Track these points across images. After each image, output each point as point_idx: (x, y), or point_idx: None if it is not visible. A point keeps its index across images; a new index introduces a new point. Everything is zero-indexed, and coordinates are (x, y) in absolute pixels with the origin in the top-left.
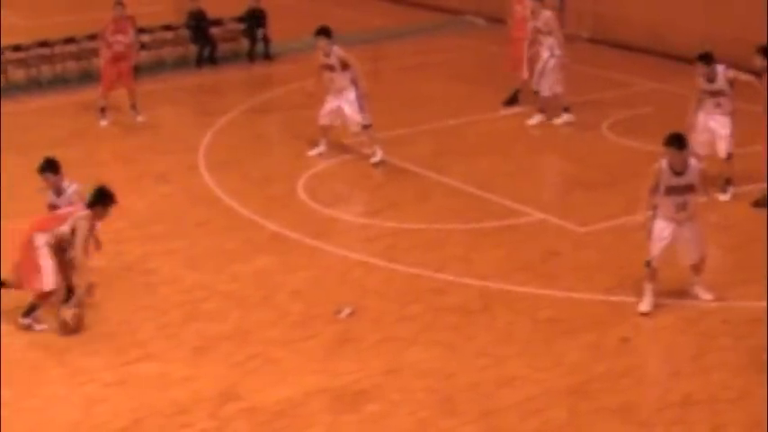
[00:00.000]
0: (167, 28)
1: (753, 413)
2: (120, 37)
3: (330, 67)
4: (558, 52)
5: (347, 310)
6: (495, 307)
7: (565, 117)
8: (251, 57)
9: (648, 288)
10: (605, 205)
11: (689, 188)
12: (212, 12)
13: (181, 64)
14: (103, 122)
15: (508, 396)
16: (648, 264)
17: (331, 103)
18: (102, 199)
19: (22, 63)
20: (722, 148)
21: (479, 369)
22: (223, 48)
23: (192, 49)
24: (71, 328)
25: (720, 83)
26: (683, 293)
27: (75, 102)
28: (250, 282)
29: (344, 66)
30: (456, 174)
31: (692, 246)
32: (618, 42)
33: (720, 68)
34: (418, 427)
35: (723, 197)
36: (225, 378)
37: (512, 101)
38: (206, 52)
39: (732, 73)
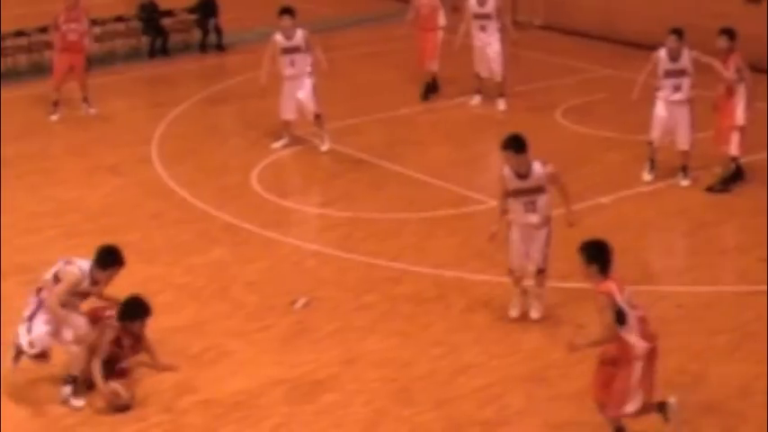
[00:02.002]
0: (119, 19)
1: (709, 397)
2: (73, 25)
3: (294, 49)
4: (501, 36)
5: (302, 301)
6: (451, 295)
7: (502, 102)
8: (203, 47)
9: (515, 293)
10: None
11: (536, 190)
12: (164, 2)
13: (133, 55)
14: (54, 117)
15: (464, 384)
16: (511, 272)
17: (291, 96)
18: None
19: None
20: (683, 142)
21: (435, 358)
22: (175, 39)
23: (144, 41)
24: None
25: (684, 62)
26: (637, 280)
27: (26, 95)
28: (204, 274)
29: (308, 47)
30: (409, 163)
31: (537, 251)
32: (570, 29)
33: (686, 49)
34: (375, 416)
35: (684, 182)
36: (180, 371)
37: (429, 92)
38: (158, 43)
39: (695, 53)
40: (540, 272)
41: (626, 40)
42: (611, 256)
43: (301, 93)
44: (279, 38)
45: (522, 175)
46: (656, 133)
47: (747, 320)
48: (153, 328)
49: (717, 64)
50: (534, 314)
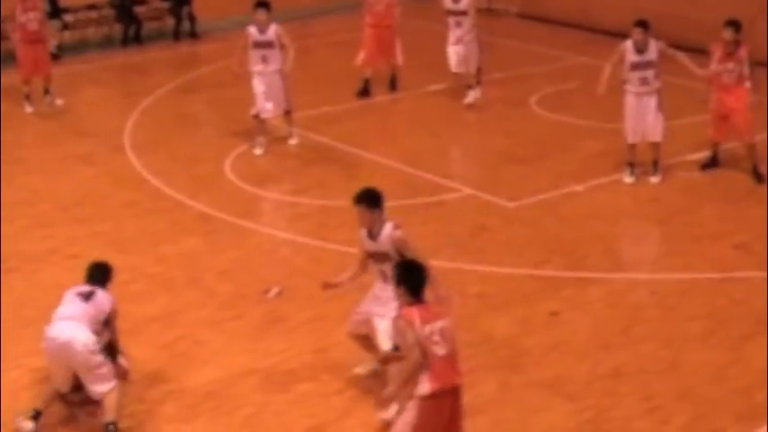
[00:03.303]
0: (91, 7)
1: (681, 384)
2: (32, 15)
3: (267, 44)
4: (475, 30)
5: (275, 290)
6: None
7: (472, 94)
8: (176, 35)
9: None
10: (534, 180)
11: (383, 256)
12: None
13: (106, 44)
14: (29, 109)
15: None
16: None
17: (261, 94)
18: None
19: None
20: (654, 134)
21: None
22: (148, 27)
23: (117, 29)
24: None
25: (651, 54)
26: (611, 267)
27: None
28: (177, 263)
29: (281, 44)
30: (383, 151)
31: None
32: (546, 17)
33: (652, 40)
34: (349, 405)
35: (654, 179)
36: (153, 361)
37: (365, 92)
38: (131, 31)
39: (662, 45)
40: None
41: (601, 29)
42: (424, 281)
43: (271, 91)
44: (252, 30)
45: (374, 235)
46: (628, 129)
47: (721, 307)
48: (127, 317)
49: (683, 57)
50: None
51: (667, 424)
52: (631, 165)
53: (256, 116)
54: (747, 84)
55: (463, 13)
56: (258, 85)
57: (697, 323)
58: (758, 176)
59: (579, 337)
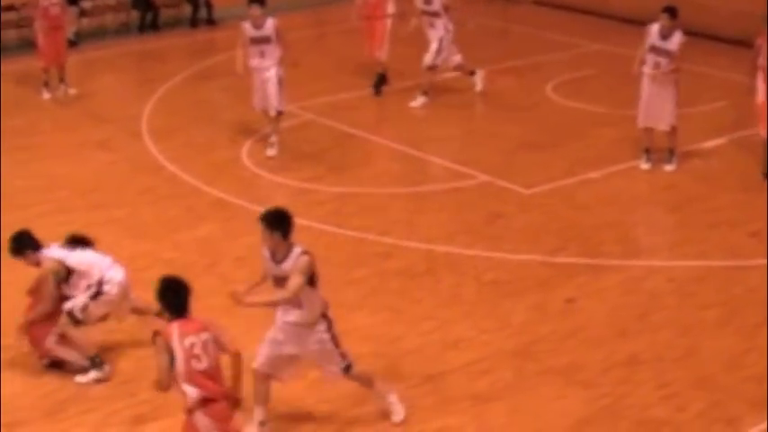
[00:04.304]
0: None
1: (698, 371)
2: (53, 0)
3: (264, 40)
4: (451, 28)
5: None
6: (440, 270)
7: (420, 100)
8: (194, 22)
9: None
10: (550, 167)
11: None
12: None
13: (123, 31)
14: (46, 95)
15: (454, 359)
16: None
17: (260, 88)
18: None
19: None
20: (665, 122)
21: (425, 332)
22: (165, 13)
23: (134, 16)
24: None
25: (672, 44)
26: (627, 254)
27: (15, 70)
28: (193, 249)
29: (278, 38)
30: (400, 137)
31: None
32: (562, 4)
33: (678, 32)
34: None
35: (669, 167)
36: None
37: (380, 84)
38: (148, 18)
39: (685, 39)
40: None
41: (617, 16)
42: (187, 296)
43: (267, 86)
44: (247, 26)
45: (279, 260)
46: (640, 113)
47: (737, 295)
48: (143, 303)
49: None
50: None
51: (683, 411)
52: (647, 151)
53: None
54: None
55: (435, 14)
56: (255, 81)
57: (713, 311)
58: None
59: (595, 324)
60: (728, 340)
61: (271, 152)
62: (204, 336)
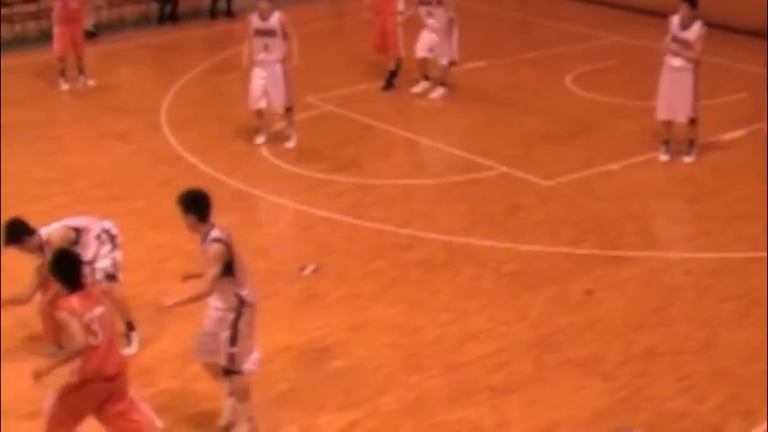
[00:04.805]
0: None
1: (716, 363)
2: None
3: (269, 32)
4: (452, 15)
5: (311, 267)
6: (460, 261)
7: (439, 91)
8: (213, 14)
9: None
10: (569, 159)
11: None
12: None
13: (142, 22)
14: (65, 86)
15: (473, 350)
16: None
17: (260, 84)
18: None
19: None
20: (684, 114)
21: (444, 324)
22: (184, 5)
23: (154, 7)
24: None
25: (691, 33)
26: (645, 246)
27: (34, 62)
28: None
29: (285, 33)
30: (419, 128)
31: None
32: None
33: (699, 22)
34: (383, 382)
35: (688, 159)
36: (189, 337)
37: (390, 82)
38: (167, 10)
39: (705, 30)
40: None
41: (636, 7)
42: (78, 268)
43: (271, 82)
44: (254, 18)
45: (201, 242)
46: (660, 106)
47: (755, 287)
48: (162, 294)
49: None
50: None
51: (701, 404)
52: (666, 143)
53: (256, 111)
54: None
55: (437, 2)
56: (257, 76)
57: (731, 303)
58: None
59: (614, 316)
60: (746, 333)
61: (290, 144)
62: (99, 309)
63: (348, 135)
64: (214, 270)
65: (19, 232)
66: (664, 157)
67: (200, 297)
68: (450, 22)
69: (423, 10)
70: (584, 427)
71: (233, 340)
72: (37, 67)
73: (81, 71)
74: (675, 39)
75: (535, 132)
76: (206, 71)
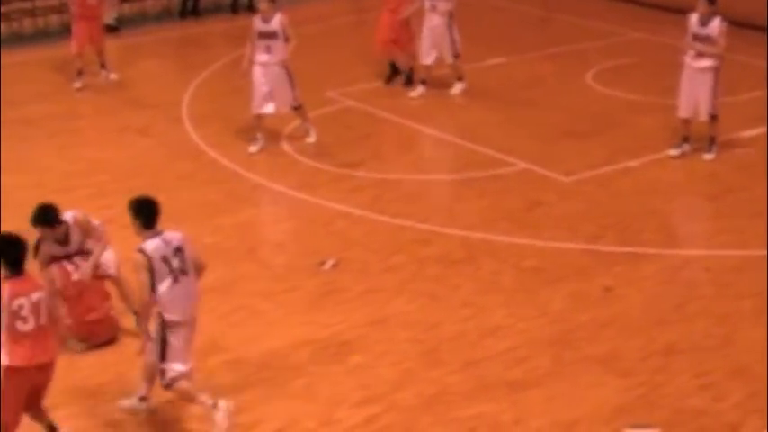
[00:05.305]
0: None
1: (735, 361)
2: None
3: (270, 35)
4: (452, 8)
5: (330, 262)
6: (479, 257)
7: (459, 86)
8: (234, 8)
9: None
10: (589, 155)
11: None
12: None
13: (164, 16)
14: (77, 84)
15: (492, 346)
16: None
17: (264, 88)
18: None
19: (4, 17)
20: (704, 112)
21: (463, 319)
22: None
23: (175, 1)
24: None
25: (711, 29)
26: (665, 243)
27: (56, 56)
28: (233, 234)
29: (286, 35)
30: (439, 124)
31: None
32: None
33: (718, 18)
34: (402, 377)
35: (708, 156)
36: (209, 330)
37: (410, 80)
38: (189, 4)
39: (725, 27)
40: None
41: (658, 4)
42: (23, 253)
43: (276, 84)
44: (257, 20)
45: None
46: (681, 103)
47: None
48: None
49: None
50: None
51: (721, 401)
52: (686, 140)
53: (258, 116)
54: None
55: None
56: (260, 78)
57: (751, 300)
58: None
59: (633, 313)
60: (765, 330)
61: (310, 139)
62: (36, 295)
63: (368, 130)
64: (139, 280)
65: (52, 216)
66: (674, 152)
67: (138, 310)
68: (451, 15)
69: (427, 3)
70: (602, 423)
71: (162, 354)
72: (59, 61)
73: (102, 65)
74: (696, 36)
75: (555, 129)
76: (227, 66)
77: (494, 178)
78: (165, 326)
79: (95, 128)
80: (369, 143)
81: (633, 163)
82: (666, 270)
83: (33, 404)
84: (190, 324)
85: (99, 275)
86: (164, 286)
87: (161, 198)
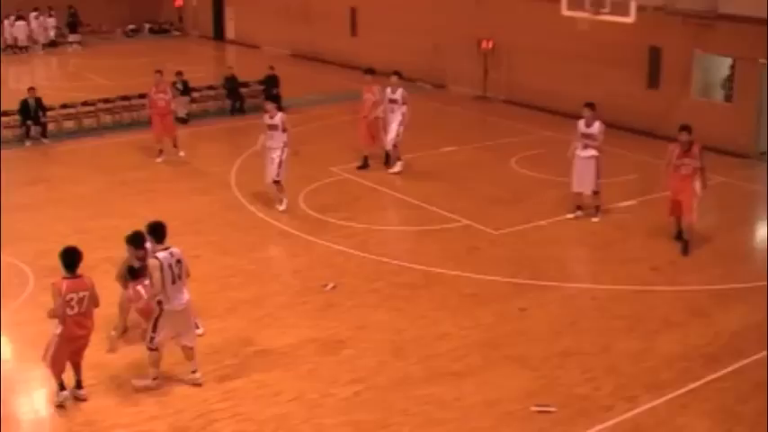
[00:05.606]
0: (210, 87)
1: (610, 362)
2: (161, 95)
3: (273, 127)
4: (405, 118)
5: (331, 285)
6: (434, 284)
7: (398, 165)
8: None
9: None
10: (512, 216)
11: None
12: (242, 76)
13: (219, 113)
14: (158, 160)
15: (442, 346)
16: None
17: (269, 164)
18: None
19: (109, 111)
20: (588, 188)
21: (422, 327)
22: (249, 102)
23: (227, 103)
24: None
25: (594, 129)
26: (563, 278)
27: (145, 138)
28: (264, 264)
29: (284, 128)
30: (410, 192)
31: None
32: (524, 102)
33: (598, 121)
34: (379, 366)
35: (595, 219)
36: (246, 330)
37: (363, 166)
38: (237, 105)
39: (604, 128)
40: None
41: (562, 112)
42: (77, 261)
43: (273, 162)
44: (265, 117)
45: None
46: (573, 181)
47: (640, 311)
48: (229, 299)
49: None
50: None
51: (599, 390)
52: (579, 207)
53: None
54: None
55: (402, 103)
56: (268, 158)
57: (623, 321)
58: (685, 249)
59: (539, 326)
60: (633, 342)
61: (281, 207)
62: (82, 293)
63: (359, 194)
64: (155, 276)
65: (138, 241)
66: (570, 216)
67: (153, 291)
68: (404, 116)
69: (389, 107)
70: (516, 402)
71: (153, 326)
72: (139, 142)
73: (175, 146)
74: (583, 134)
75: (488, 197)
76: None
77: (444, 230)
78: (161, 310)
79: (170, 189)
80: (359, 203)
81: (542, 222)
82: (564, 298)
83: (73, 360)
84: (179, 312)
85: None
86: (167, 284)
87: (215, 238)
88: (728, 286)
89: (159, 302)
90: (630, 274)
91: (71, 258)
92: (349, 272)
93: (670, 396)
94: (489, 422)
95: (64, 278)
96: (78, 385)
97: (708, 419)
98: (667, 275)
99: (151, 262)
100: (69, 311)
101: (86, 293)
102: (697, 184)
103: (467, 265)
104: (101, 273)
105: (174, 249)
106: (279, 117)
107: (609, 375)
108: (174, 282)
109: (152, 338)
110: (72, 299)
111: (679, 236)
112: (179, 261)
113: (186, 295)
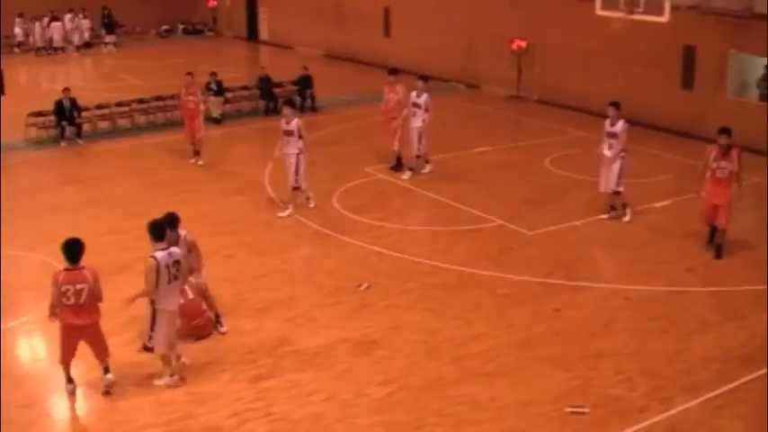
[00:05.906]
0: (244, 88)
1: (644, 363)
2: (191, 97)
3: (290, 133)
4: (425, 125)
5: (365, 285)
6: (468, 285)
7: (428, 168)
8: (302, 109)
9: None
10: (546, 216)
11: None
12: (275, 77)
13: (253, 113)
14: (192, 160)
15: (475, 346)
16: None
17: (289, 167)
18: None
19: (144, 111)
20: (611, 186)
21: (455, 327)
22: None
23: (261, 103)
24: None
25: (617, 128)
26: (597, 279)
27: (178, 139)
28: (297, 264)
29: (300, 134)
30: (443, 192)
31: None
32: (558, 102)
33: (622, 120)
34: (411, 366)
35: (625, 219)
36: (279, 330)
37: (396, 167)
38: (271, 105)
39: (627, 126)
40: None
41: (596, 111)
42: (79, 253)
43: (291, 168)
44: (282, 122)
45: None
46: (600, 181)
47: (674, 311)
48: (262, 300)
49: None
50: None
51: (633, 391)
52: (612, 207)
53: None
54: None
55: (418, 105)
56: (287, 163)
57: (657, 322)
58: (719, 253)
59: (573, 327)
60: (667, 342)
61: (282, 214)
62: (80, 285)
63: (392, 195)
64: (149, 276)
65: (173, 223)
66: (604, 216)
67: (145, 290)
68: (424, 123)
69: (412, 110)
70: (549, 403)
71: (151, 325)
72: (168, 144)
73: (196, 153)
74: (608, 134)
75: (523, 197)
76: None
77: (478, 230)
78: (155, 310)
79: (205, 189)
80: (392, 204)
81: (576, 222)
82: (598, 298)
83: (94, 351)
84: (173, 312)
85: (199, 293)
86: (162, 284)
87: (248, 238)
88: (763, 287)
89: (152, 302)
90: (664, 275)
91: (73, 250)
92: (382, 272)
93: (705, 397)
94: (523, 423)
95: (64, 269)
96: (106, 371)
97: (743, 421)
98: (702, 276)
99: (147, 262)
100: (65, 302)
101: (85, 286)
102: (734, 188)
103: (500, 266)
104: (135, 273)
105: (175, 250)
106: (295, 123)
107: (643, 376)
108: (169, 282)
109: (150, 337)
110: (68, 290)
111: (711, 239)
112: (177, 262)
113: (181, 298)
